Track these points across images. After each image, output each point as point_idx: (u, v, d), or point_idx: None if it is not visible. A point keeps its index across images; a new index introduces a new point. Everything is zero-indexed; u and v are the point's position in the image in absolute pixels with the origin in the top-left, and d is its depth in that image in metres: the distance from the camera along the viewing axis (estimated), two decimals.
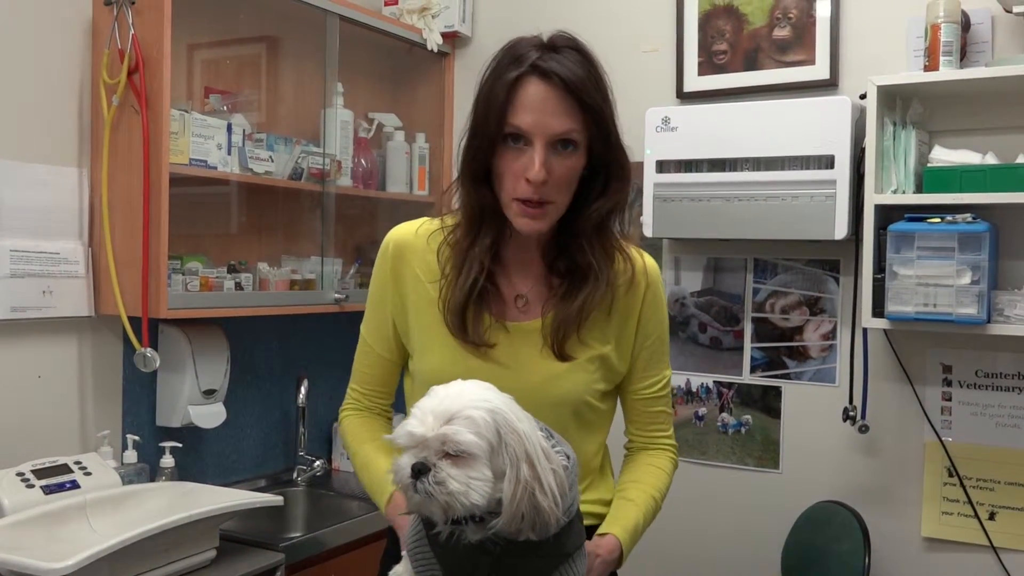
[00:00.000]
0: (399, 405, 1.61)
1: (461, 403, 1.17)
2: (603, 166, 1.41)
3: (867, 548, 2.37)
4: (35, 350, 2.23)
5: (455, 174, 1.47)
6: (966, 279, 2.24)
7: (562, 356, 1.45)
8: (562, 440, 1.28)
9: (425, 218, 1.55)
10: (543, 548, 1.20)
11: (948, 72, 2.32)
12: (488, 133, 1.36)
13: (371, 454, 1.55)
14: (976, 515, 2.46)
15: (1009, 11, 2.32)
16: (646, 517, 1.50)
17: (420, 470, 1.15)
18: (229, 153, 2.45)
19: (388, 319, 1.55)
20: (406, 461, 1.17)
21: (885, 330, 2.50)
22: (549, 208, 1.38)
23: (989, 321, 2.26)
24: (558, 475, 1.19)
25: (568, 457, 1.24)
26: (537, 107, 1.34)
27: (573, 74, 1.34)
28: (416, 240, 1.53)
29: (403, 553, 1.32)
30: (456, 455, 1.15)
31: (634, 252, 1.53)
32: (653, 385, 1.56)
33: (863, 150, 2.42)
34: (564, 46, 1.38)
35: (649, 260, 1.55)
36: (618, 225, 1.47)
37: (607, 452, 1.60)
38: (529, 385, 1.42)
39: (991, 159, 2.33)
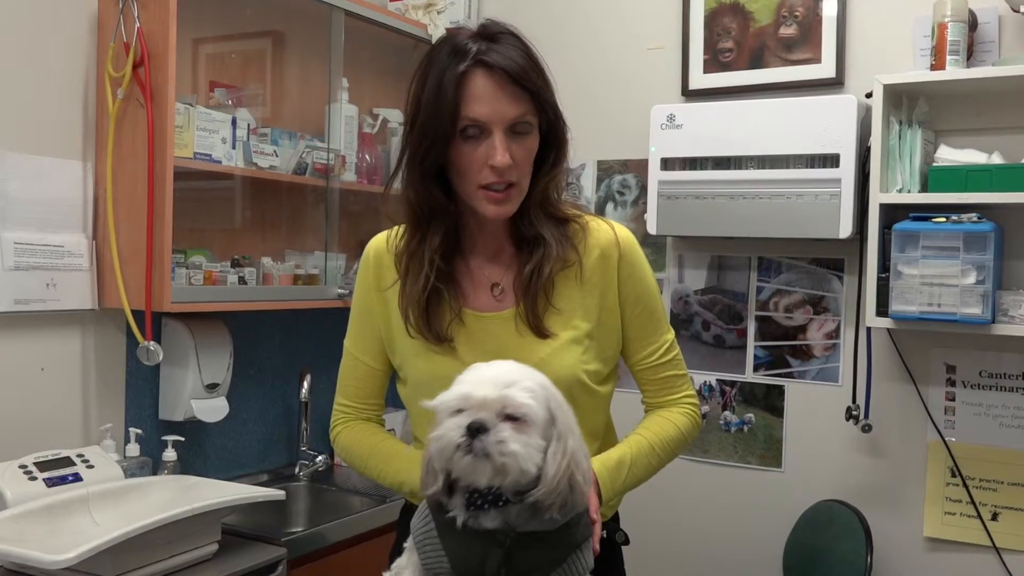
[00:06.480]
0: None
1: (515, 375, 1.17)
2: (553, 142, 1.46)
3: (869, 548, 2.37)
4: (38, 343, 2.23)
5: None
6: (971, 279, 2.24)
7: (539, 331, 1.45)
8: None
9: (401, 225, 1.54)
10: (553, 538, 1.19)
11: (954, 71, 2.31)
12: (441, 130, 1.38)
13: (389, 447, 1.55)
14: (979, 515, 2.45)
15: (1016, 10, 2.32)
16: (634, 456, 1.46)
17: (479, 428, 1.12)
18: (233, 147, 2.45)
19: (375, 328, 1.56)
20: (460, 420, 1.14)
21: (889, 329, 2.50)
22: (513, 191, 1.42)
23: (993, 321, 2.26)
24: (588, 458, 1.20)
25: None
26: (489, 97, 1.37)
27: (515, 63, 1.38)
28: (387, 248, 1.55)
29: (405, 545, 1.30)
30: (516, 419, 1.13)
31: (603, 223, 1.53)
32: (655, 352, 1.54)
33: (868, 149, 2.42)
34: (500, 33, 1.41)
35: (621, 229, 1.54)
36: (556, 192, 1.49)
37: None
38: None
39: (997, 159, 2.33)
